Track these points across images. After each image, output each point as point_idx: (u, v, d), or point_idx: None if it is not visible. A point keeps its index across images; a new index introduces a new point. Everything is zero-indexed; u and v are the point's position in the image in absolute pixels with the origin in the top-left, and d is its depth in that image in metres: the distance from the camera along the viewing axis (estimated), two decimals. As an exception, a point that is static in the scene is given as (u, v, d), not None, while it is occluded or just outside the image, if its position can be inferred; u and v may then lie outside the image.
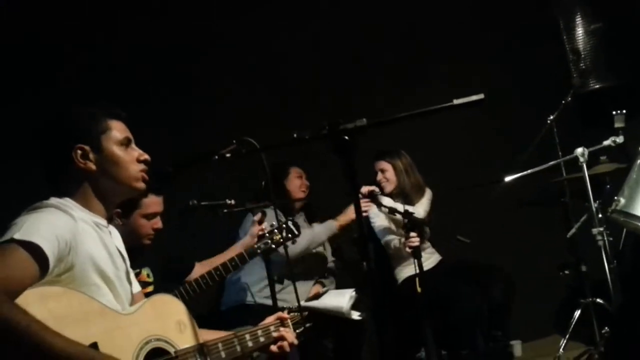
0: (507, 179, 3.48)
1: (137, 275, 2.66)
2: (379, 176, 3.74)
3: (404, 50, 4.09)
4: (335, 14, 3.99)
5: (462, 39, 4.10)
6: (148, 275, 2.75)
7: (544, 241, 4.04)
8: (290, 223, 2.82)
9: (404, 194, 3.70)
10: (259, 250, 2.76)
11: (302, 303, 3.23)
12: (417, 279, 3.08)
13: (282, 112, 3.79)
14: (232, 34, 3.82)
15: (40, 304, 1.39)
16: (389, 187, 3.72)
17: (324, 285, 3.57)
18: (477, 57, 4.08)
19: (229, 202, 2.84)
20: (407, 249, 3.24)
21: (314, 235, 3.36)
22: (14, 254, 1.40)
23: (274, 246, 2.78)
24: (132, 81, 3.48)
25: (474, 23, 4.07)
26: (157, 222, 2.68)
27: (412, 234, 3.15)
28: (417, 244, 3.13)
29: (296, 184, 3.55)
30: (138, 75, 3.53)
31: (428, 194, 3.79)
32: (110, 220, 1.77)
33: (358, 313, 3.23)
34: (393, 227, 3.71)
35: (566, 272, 3.95)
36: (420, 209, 3.66)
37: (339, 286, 3.61)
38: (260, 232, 2.86)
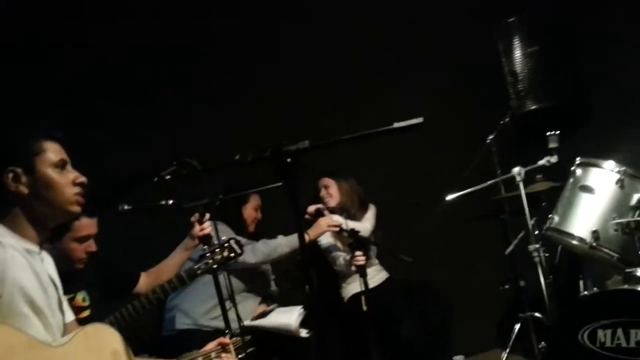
0: (448, 197, 3.56)
1: (71, 300, 2.52)
2: (323, 192, 3.76)
3: (346, 70, 4.12)
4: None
5: (401, 61, 4.17)
6: (84, 299, 2.61)
7: (485, 257, 4.13)
8: (232, 242, 2.70)
9: (347, 210, 3.73)
10: (198, 272, 2.61)
11: (249, 322, 3.19)
12: (362, 297, 3.09)
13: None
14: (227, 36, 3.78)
15: (-39, 338, 1.31)
16: (332, 203, 3.73)
17: (269, 305, 3.53)
18: (416, 78, 4.17)
19: (165, 202, 2.63)
20: (353, 268, 3.25)
21: (276, 245, 3.28)
22: None
23: (215, 266, 2.64)
24: (128, 81, 3.41)
25: (413, 45, 4.15)
26: (91, 245, 2.54)
27: (358, 252, 3.17)
28: (362, 262, 3.14)
29: (251, 214, 3.52)
30: (135, 75, 3.45)
31: (372, 210, 3.82)
32: (41, 245, 1.68)
33: (306, 330, 3.19)
34: (339, 244, 3.71)
35: (506, 287, 4.07)
36: (367, 225, 3.69)
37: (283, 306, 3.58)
38: (202, 232, 2.71)
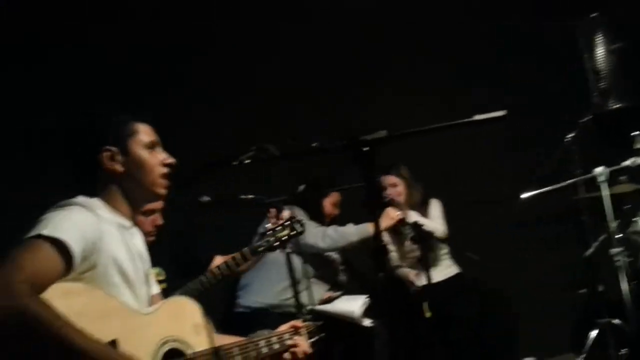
0: (524, 195, 3.47)
1: None
2: (390, 191, 3.70)
3: (422, 63, 4.10)
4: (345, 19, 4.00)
5: (482, 55, 4.11)
6: (158, 274, 2.75)
7: (560, 260, 4.01)
8: (294, 220, 2.71)
9: (412, 207, 3.71)
10: (260, 249, 2.64)
11: (314, 307, 3.25)
12: (424, 303, 3.09)
13: (291, 119, 3.81)
14: (236, 35, 3.85)
15: (62, 299, 1.43)
16: (400, 200, 3.69)
17: (337, 290, 3.57)
18: (499, 73, 4.09)
19: (245, 196, 2.74)
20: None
21: (346, 233, 3.29)
22: (41, 249, 1.44)
23: (277, 244, 2.67)
24: (141, 83, 3.51)
25: (497, 39, 4.07)
26: (157, 219, 2.64)
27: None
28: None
29: (329, 209, 3.56)
30: (147, 77, 3.55)
31: (437, 206, 3.76)
32: (132, 221, 1.80)
33: (369, 320, 3.20)
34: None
35: (582, 291, 3.92)
36: (437, 226, 3.63)
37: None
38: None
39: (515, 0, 4.12)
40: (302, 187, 3.43)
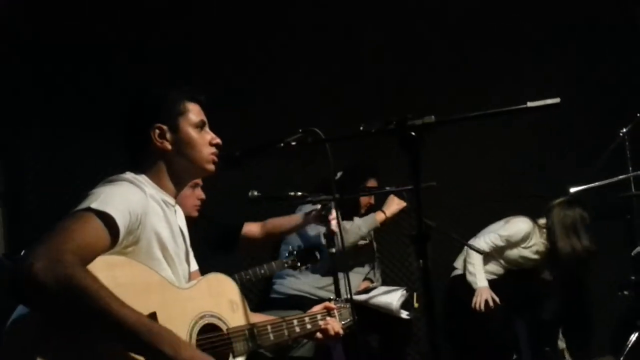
0: (573, 190, 3.37)
1: None
2: None
3: (475, 50, 4.00)
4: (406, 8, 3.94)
5: (537, 44, 4.00)
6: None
7: (605, 258, 3.89)
8: (316, 252, 2.90)
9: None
10: (285, 265, 2.98)
11: (352, 297, 3.24)
12: (415, 294, 3.09)
13: (347, 104, 3.79)
14: (304, 22, 3.82)
15: (107, 271, 1.45)
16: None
17: (372, 282, 3.57)
18: (554, 62, 3.96)
19: (294, 193, 2.84)
20: None
21: (352, 228, 3.29)
22: (90, 222, 1.47)
23: (292, 268, 3.00)
24: (199, 65, 3.55)
25: (552, 30, 3.97)
26: (201, 193, 2.76)
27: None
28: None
29: (365, 199, 3.52)
30: (206, 59, 3.59)
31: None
32: (176, 198, 1.82)
33: (407, 312, 3.20)
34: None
35: (625, 292, 3.80)
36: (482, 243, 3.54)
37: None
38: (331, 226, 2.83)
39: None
40: (339, 174, 3.41)
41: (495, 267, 3.66)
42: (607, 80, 3.96)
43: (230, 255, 3.11)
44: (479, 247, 3.40)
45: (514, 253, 3.57)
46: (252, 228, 3.08)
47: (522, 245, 3.54)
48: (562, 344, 3.69)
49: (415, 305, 3.08)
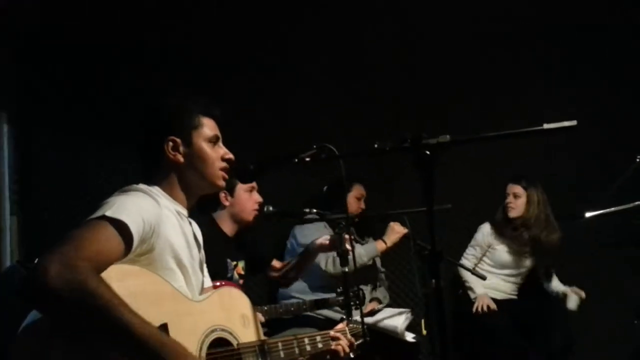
0: (588, 214, 3.33)
1: (235, 266, 2.81)
2: (509, 199, 3.69)
3: (494, 69, 4.01)
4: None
5: (557, 66, 4.01)
6: (243, 268, 2.84)
7: (621, 285, 3.83)
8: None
9: (527, 226, 3.67)
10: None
11: (357, 319, 3.21)
12: (422, 320, 3.08)
13: (363, 122, 3.80)
14: (319, 36, 3.85)
15: (120, 280, 1.46)
16: (513, 214, 3.68)
17: (379, 302, 3.55)
18: (574, 85, 3.96)
19: (309, 210, 2.89)
20: None
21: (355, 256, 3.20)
22: (104, 230, 1.48)
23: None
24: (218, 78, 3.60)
25: (572, 52, 3.98)
26: (258, 197, 2.82)
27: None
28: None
29: (352, 204, 3.56)
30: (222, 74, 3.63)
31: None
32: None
33: (412, 335, 3.19)
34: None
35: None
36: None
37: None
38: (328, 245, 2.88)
39: (593, 9, 3.97)
40: (325, 189, 3.52)
41: (499, 282, 3.67)
42: (626, 104, 3.94)
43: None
44: (481, 272, 3.43)
45: (500, 254, 3.72)
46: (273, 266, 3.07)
47: (499, 242, 3.72)
48: None
49: (424, 332, 3.05)
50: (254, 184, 2.80)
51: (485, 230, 3.76)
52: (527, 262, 3.76)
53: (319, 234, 3.15)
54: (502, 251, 3.73)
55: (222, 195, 2.76)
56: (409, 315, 3.21)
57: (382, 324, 3.20)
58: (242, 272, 2.85)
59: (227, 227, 2.81)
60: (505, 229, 3.73)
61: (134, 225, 1.52)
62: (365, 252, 3.40)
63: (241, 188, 2.78)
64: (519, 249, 3.71)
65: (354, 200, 3.60)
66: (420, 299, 3.71)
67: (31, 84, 3.41)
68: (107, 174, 3.21)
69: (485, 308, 3.53)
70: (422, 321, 3.06)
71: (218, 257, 2.63)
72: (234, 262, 2.81)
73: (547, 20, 3.97)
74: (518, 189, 3.69)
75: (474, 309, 3.56)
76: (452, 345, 3.66)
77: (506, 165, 3.85)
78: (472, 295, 3.65)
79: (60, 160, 3.45)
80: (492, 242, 3.75)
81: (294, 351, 1.89)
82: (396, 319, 3.18)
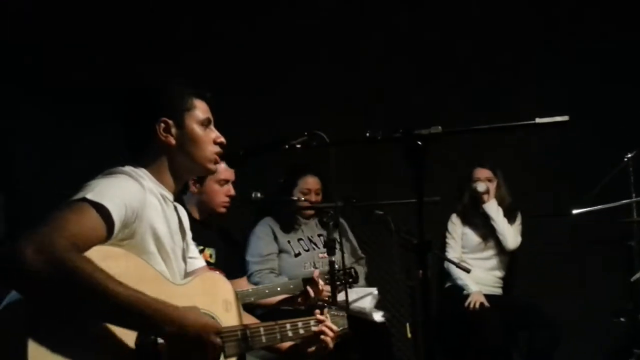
0: (575, 212, 3.36)
1: (200, 252, 2.70)
2: (484, 184, 3.69)
3: (485, 64, 4.01)
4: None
5: (544, 64, 4.00)
6: (211, 256, 2.79)
7: (602, 284, 3.88)
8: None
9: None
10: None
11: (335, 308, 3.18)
12: (407, 324, 3.06)
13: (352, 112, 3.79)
14: (313, 24, 3.82)
15: (100, 261, 1.42)
16: (488, 199, 3.71)
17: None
18: (562, 84, 3.97)
19: (297, 198, 2.88)
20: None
21: (273, 286, 2.84)
22: (85, 212, 1.45)
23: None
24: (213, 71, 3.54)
25: (561, 51, 3.99)
26: (230, 190, 2.75)
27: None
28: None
29: (300, 197, 3.31)
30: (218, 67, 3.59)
31: (519, 219, 3.77)
32: (185, 190, 1.80)
33: (381, 313, 3.11)
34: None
35: (621, 319, 3.78)
36: (511, 235, 3.67)
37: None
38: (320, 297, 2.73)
39: (583, 13, 3.99)
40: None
41: (478, 274, 3.69)
42: (614, 103, 3.96)
43: None
44: (466, 265, 3.44)
45: (470, 237, 3.78)
46: (240, 283, 2.86)
47: (467, 227, 3.79)
48: None
49: (408, 335, 3.03)
50: (228, 175, 2.70)
51: (453, 220, 3.82)
52: (492, 242, 3.77)
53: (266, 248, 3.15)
54: (469, 234, 3.78)
55: (190, 181, 2.67)
56: (376, 292, 3.13)
57: (350, 308, 3.13)
58: (211, 260, 2.77)
59: (194, 212, 2.77)
60: (470, 212, 3.79)
61: (115, 209, 1.49)
62: (282, 287, 2.82)
63: (211, 179, 2.68)
64: (483, 229, 3.76)
65: (300, 194, 3.32)
66: (402, 295, 3.70)
67: (7, 58, 3.33)
68: (91, 152, 3.16)
69: (477, 306, 3.53)
70: (407, 325, 3.04)
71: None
72: (200, 247, 2.68)
73: (538, 19, 3.98)
74: (489, 172, 3.73)
75: (465, 304, 3.55)
76: (436, 338, 3.66)
77: (493, 162, 3.85)
78: (467, 289, 3.63)
79: (40, 137, 3.38)
80: (462, 229, 3.81)
81: (276, 337, 1.88)
82: (363, 301, 3.10)
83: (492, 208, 3.70)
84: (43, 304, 1.37)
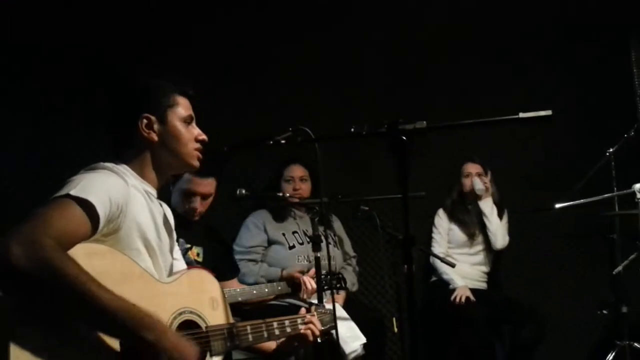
0: (558, 206, 3.38)
1: (187, 249, 2.70)
2: (479, 179, 3.69)
3: (469, 59, 4.03)
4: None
5: (527, 62, 4.04)
6: (198, 254, 2.76)
7: (585, 277, 3.92)
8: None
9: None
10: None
11: (324, 305, 3.14)
12: (394, 318, 3.00)
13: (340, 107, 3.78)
14: (300, 21, 3.80)
15: (85, 259, 1.41)
16: (485, 194, 3.70)
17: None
18: (544, 81, 4.01)
19: (282, 194, 2.85)
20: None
21: (260, 288, 2.83)
22: (69, 208, 1.43)
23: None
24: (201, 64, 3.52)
25: (544, 48, 4.02)
26: (207, 205, 2.70)
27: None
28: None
29: (286, 187, 3.29)
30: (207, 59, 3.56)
31: (506, 216, 3.77)
32: (158, 191, 1.79)
33: (360, 342, 2.93)
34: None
35: (604, 312, 3.82)
36: (501, 234, 3.67)
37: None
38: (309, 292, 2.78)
39: (567, 8, 4.01)
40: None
41: (463, 268, 3.70)
42: (596, 100, 4.00)
43: None
44: (451, 260, 3.47)
45: (455, 233, 3.77)
46: (230, 283, 2.83)
47: (453, 222, 3.78)
48: None
49: (395, 330, 2.99)
50: (199, 189, 2.65)
51: (440, 215, 3.83)
52: (480, 238, 3.78)
53: (252, 240, 3.16)
54: (456, 230, 3.78)
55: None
56: (361, 347, 2.92)
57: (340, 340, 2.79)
58: (198, 259, 2.74)
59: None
60: (458, 208, 3.79)
61: (100, 205, 1.48)
62: (269, 290, 2.82)
63: (178, 187, 2.70)
64: (472, 226, 3.76)
65: (285, 183, 3.31)
66: (389, 290, 3.70)
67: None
68: (74, 147, 3.12)
69: (463, 299, 3.53)
70: (394, 319, 3.00)
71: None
72: (188, 245, 2.71)
73: (524, 17, 4.00)
74: (479, 167, 3.74)
75: (451, 298, 3.55)
76: (421, 332, 3.68)
77: (477, 156, 3.87)
78: (452, 284, 3.63)
79: (24, 133, 3.33)
80: (449, 225, 3.81)
81: (263, 335, 1.88)
82: (347, 346, 2.87)
83: (488, 206, 3.69)
84: (26, 302, 1.35)
